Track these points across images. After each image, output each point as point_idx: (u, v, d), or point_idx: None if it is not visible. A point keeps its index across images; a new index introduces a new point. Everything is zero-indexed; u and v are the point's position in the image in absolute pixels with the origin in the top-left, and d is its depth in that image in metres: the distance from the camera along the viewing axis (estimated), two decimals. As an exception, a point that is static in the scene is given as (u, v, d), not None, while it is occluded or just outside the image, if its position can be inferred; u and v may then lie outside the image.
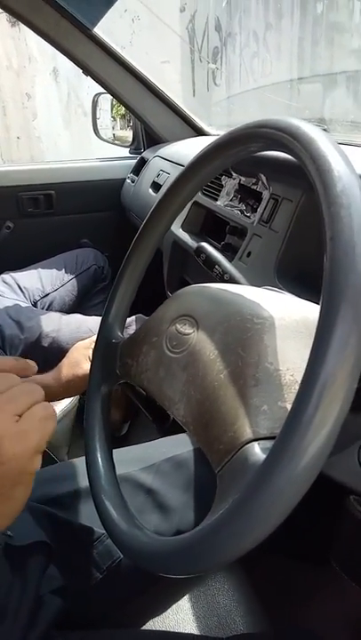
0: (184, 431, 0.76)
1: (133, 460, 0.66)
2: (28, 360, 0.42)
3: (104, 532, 0.60)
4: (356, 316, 0.30)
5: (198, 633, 0.63)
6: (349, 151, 0.58)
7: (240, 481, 0.34)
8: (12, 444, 0.34)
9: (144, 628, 0.63)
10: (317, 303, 0.47)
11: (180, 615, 0.65)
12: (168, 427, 0.97)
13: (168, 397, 0.45)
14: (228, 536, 0.31)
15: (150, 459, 0.66)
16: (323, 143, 0.36)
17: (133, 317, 1.13)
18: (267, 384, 0.38)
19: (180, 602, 0.68)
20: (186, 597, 0.70)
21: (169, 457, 0.67)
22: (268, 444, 0.36)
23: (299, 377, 0.39)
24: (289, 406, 0.38)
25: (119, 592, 0.60)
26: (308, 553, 0.62)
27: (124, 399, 1.27)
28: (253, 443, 0.36)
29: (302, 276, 0.65)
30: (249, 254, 0.75)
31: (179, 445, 0.69)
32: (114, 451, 0.52)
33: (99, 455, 0.51)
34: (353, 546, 0.49)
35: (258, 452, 0.35)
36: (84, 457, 0.52)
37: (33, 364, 0.43)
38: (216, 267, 0.64)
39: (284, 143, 0.40)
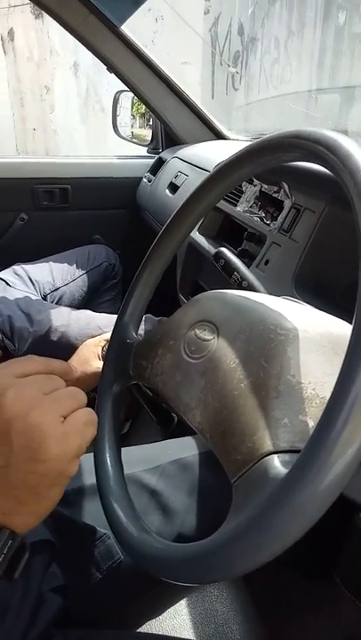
0: (189, 434, 0.76)
1: (139, 460, 0.66)
2: (69, 363, 0.43)
3: (106, 531, 0.60)
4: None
5: (194, 639, 0.63)
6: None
7: (259, 493, 0.34)
8: (56, 444, 0.35)
9: (140, 630, 0.63)
10: (335, 315, 0.47)
11: (177, 620, 0.65)
12: (172, 429, 0.97)
13: (184, 403, 0.45)
14: (244, 548, 0.31)
15: (156, 460, 0.66)
16: (361, 157, 0.36)
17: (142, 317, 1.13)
18: (288, 397, 0.38)
19: (177, 606, 0.68)
20: (183, 602, 0.69)
21: (174, 459, 0.66)
22: (288, 457, 0.35)
23: (320, 391, 0.39)
24: (310, 420, 0.37)
25: (118, 593, 0.59)
26: (311, 567, 0.62)
27: (127, 397, 1.27)
28: (273, 455, 0.35)
29: (321, 287, 0.64)
30: (267, 262, 0.75)
31: (185, 448, 0.69)
32: None
33: (107, 455, 0.51)
34: (359, 563, 0.48)
35: (278, 465, 0.35)
36: (90, 454, 0.52)
37: (72, 369, 0.43)
38: (235, 273, 0.64)
39: (321, 156, 0.40)
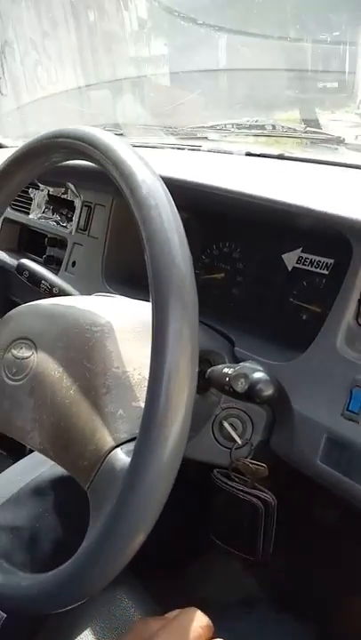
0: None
1: None
2: None
3: None
4: (184, 307, 0.32)
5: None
6: (146, 153, 0.61)
7: (111, 489, 0.34)
8: None
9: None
10: (147, 300, 0.50)
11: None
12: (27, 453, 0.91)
13: (19, 428, 0.42)
14: (111, 549, 0.31)
15: (5, 493, 0.61)
16: (121, 149, 0.38)
17: None
18: (118, 388, 0.39)
19: (83, 631, 0.65)
20: (89, 630, 0.67)
21: (27, 483, 0.62)
22: (132, 445, 0.36)
23: (146, 373, 0.41)
24: (143, 404, 0.39)
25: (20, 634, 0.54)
26: (194, 537, 0.65)
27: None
28: (116, 449, 0.36)
29: (128, 276, 0.67)
30: (74, 264, 0.75)
31: (35, 467, 0.64)
32: None
33: None
34: (224, 515, 0.53)
35: (123, 456, 0.35)
36: None
37: None
38: (43, 282, 0.62)
39: (86, 152, 0.41)
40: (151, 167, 0.37)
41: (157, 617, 0.36)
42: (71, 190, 0.76)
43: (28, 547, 0.54)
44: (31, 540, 0.55)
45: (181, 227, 0.34)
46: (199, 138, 1.06)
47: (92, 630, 0.65)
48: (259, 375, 0.39)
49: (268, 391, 0.38)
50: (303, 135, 0.87)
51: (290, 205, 0.49)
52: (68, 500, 0.58)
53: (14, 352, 0.45)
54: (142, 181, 0.35)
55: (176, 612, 0.35)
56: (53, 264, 0.82)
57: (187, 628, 0.34)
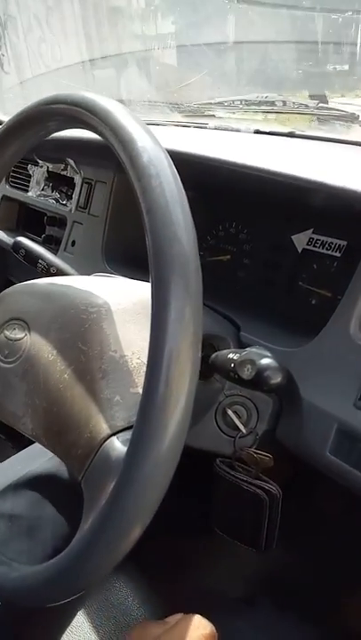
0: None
1: None
2: None
3: None
4: (187, 285, 0.29)
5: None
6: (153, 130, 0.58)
7: (106, 481, 0.32)
8: None
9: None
10: (149, 281, 0.47)
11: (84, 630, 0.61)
12: (26, 441, 0.89)
13: (11, 413, 0.40)
14: (109, 538, 0.29)
15: (5, 481, 0.59)
16: (120, 114, 0.35)
17: None
18: (115, 373, 0.37)
19: (80, 618, 0.64)
20: (83, 613, 0.66)
21: (25, 473, 0.60)
22: (129, 434, 0.34)
23: (146, 359, 0.38)
24: (141, 391, 0.36)
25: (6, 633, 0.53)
26: (194, 528, 0.64)
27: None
28: (112, 438, 0.34)
29: (131, 256, 0.64)
30: (73, 243, 0.72)
31: (35, 457, 0.63)
32: None
33: None
34: (227, 506, 0.51)
35: (119, 445, 0.33)
36: None
37: None
38: (40, 261, 0.60)
39: (83, 119, 0.38)
40: (153, 135, 0.34)
41: (158, 621, 0.34)
42: (71, 166, 0.72)
43: (26, 535, 0.53)
44: (29, 529, 0.53)
45: (185, 198, 0.31)
46: (206, 115, 1.02)
47: (89, 618, 0.64)
48: (267, 361, 0.36)
49: (277, 379, 0.36)
50: (315, 112, 0.83)
51: (302, 180, 0.46)
52: (71, 489, 0.57)
53: (7, 333, 0.42)
54: (143, 149, 0.32)
55: (178, 616, 0.34)
56: (53, 244, 0.79)
57: (190, 637, 0.32)
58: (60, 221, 0.79)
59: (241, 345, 0.49)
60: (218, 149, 0.57)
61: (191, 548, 0.71)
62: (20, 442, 0.87)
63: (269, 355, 0.37)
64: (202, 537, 0.70)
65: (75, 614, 0.60)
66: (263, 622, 0.57)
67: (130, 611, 0.64)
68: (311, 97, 0.92)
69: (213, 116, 1.00)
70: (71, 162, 0.72)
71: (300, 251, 0.57)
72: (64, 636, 0.61)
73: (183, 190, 0.31)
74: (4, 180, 0.93)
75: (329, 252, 0.55)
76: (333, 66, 1.03)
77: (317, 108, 0.83)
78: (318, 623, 0.57)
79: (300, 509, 0.41)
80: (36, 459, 0.60)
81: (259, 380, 0.36)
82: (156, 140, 0.33)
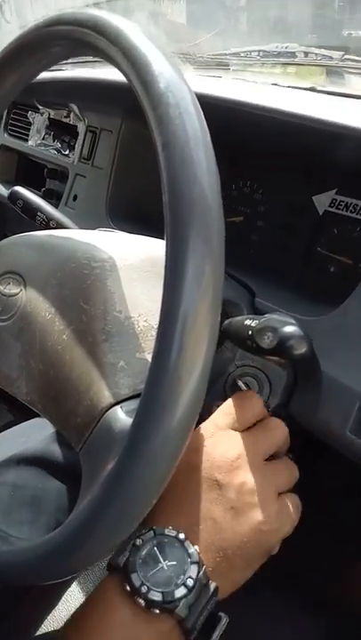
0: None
1: None
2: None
3: None
4: (208, 237, 0.25)
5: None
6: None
7: (109, 453, 0.28)
8: (279, 517, 0.34)
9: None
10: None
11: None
12: (20, 404, 0.87)
13: (4, 375, 0.37)
14: (108, 519, 0.26)
15: (7, 450, 0.57)
16: (134, 34, 0.30)
17: None
18: (119, 336, 0.33)
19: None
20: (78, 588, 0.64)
21: (30, 446, 0.57)
22: (134, 404, 0.30)
23: (153, 321, 0.35)
24: (148, 356, 0.33)
25: None
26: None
27: None
28: (116, 407, 0.30)
29: (137, 213, 0.59)
30: (75, 198, 0.67)
31: (43, 426, 0.60)
32: None
33: None
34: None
35: (123, 416, 0.29)
36: None
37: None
38: (39, 213, 0.55)
39: (90, 41, 0.32)
40: (174, 60, 0.29)
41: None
42: (74, 113, 0.67)
43: (30, 505, 0.50)
44: (33, 499, 0.51)
45: (208, 134, 0.26)
46: (219, 68, 0.95)
47: (83, 587, 0.63)
48: (291, 329, 0.32)
49: (302, 349, 0.32)
50: (341, 64, 0.76)
51: (330, 124, 0.41)
52: (72, 457, 0.54)
53: (0, 288, 0.38)
54: (159, 73, 0.27)
55: None
56: (53, 198, 0.74)
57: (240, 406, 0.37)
58: (61, 174, 0.74)
59: (255, 312, 0.46)
60: (234, 93, 0.52)
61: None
62: (17, 407, 0.84)
63: (293, 322, 0.33)
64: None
65: (64, 592, 0.58)
66: (263, 609, 0.55)
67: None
68: (335, 48, 0.85)
69: (228, 68, 0.93)
70: (74, 107, 0.66)
71: (321, 213, 0.53)
72: (60, 603, 0.60)
73: (206, 125, 0.27)
74: (2, 128, 0.87)
75: (353, 215, 0.50)
76: (349, 31, 0.96)
77: (342, 60, 0.76)
78: (317, 612, 0.55)
79: (305, 485, 0.38)
80: (41, 430, 0.57)
81: (281, 350, 0.32)
82: (176, 66, 0.28)
